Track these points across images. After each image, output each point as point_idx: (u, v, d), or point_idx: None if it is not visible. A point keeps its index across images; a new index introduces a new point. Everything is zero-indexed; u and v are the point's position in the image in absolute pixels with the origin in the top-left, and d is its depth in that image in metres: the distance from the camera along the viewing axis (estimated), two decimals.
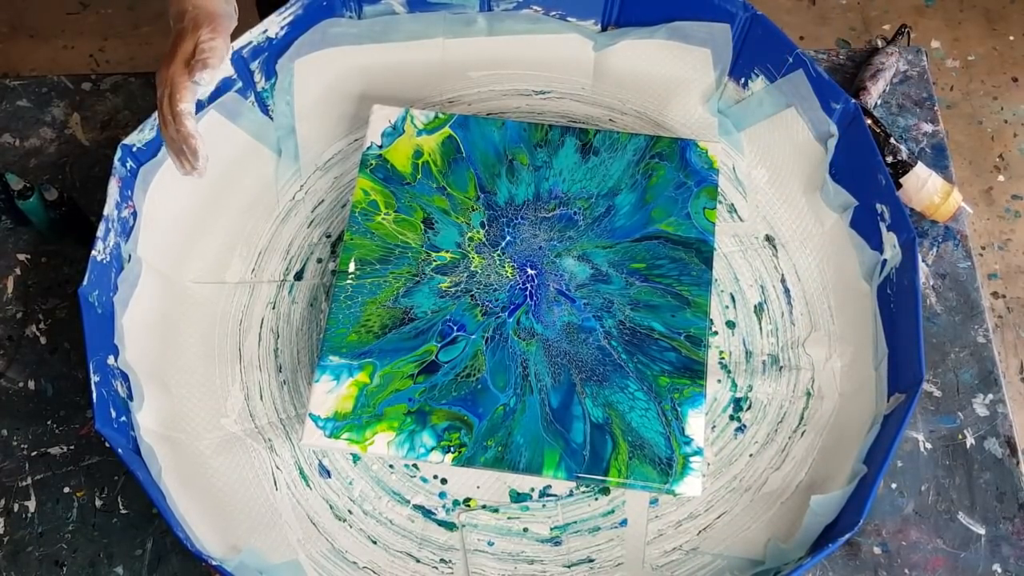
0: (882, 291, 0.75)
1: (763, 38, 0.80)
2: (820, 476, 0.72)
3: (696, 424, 0.69)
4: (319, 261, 0.79)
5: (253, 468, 0.72)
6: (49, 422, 0.75)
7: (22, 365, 0.77)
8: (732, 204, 0.81)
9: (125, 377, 0.70)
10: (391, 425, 0.68)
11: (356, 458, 0.73)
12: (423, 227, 0.75)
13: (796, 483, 0.72)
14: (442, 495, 0.72)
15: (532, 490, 0.72)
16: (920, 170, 0.80)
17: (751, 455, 0.73)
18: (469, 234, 0.75)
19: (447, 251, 0.74)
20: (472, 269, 0.74)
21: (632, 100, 0.85)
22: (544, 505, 0.72)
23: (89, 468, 0.73)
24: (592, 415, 0.69)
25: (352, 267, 0.73)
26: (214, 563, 0.62)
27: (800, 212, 0.81)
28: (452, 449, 0.68)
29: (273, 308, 0.77)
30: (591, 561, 0.70)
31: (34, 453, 0.74)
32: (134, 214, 0.74)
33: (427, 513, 0.71)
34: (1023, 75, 1.64)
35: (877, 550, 0.71)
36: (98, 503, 0.72)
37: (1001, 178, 1.56)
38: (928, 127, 0.86)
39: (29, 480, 0.73)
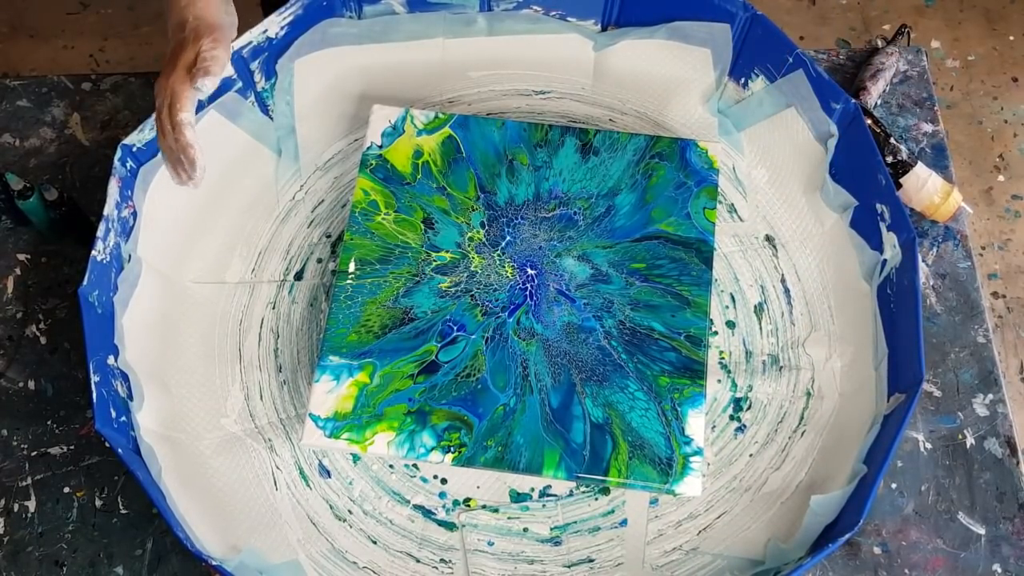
0: (882, 291, 0.75)
1: (763, 38, 0.80)
2: (820, 476, 0.72)
3: (696, 424, 0.69)
4: (319, 261, 0.79)
5: (253, 468, 0.72)
6: (49, 422, 0.75)
7: (22, 365, 0.77)
8: (732, 204, 0.81)
9: (125, 377, 0.70)
10: (391, 425, 0.68)
11: (356, 458, 0.73)
12: (423, 227, 0.75)
13: (796, 483, 0.72)
14: (442, 495, 0.72)
15: (532, 490, 0.72)
16: (920, 170, 0.80)
17: (751, 455, 0.73)
18: (469, 234, 0.75)
19: (447, 251, 0.74)
20: (472, 269, 0.74)
21: (632, 100, 0.85)
22: (544, 505, 0.72)
23: (89, 468, 0.73)
24: (592, 415, 0.69)
25: (352, 267, 0.73)
26: (214, 563, 0.62)
27: (800, 212, 0.81)
28: (452, 449, 0.68)
29: (273, 308, 0.77)
30: (591, 561, 0.70)
31: (34, 453, 0.74)
32: (134, 214, 0.74)
33: (427, 513, 0.71)
34: (1023, 75, 1.64)
35: (877, 550, 0.71)
36: (98, 503, 0.72)
37: (1001, 178, 1.56)
38: (928, 127, 0.86)
39: (29, 480, 0.73)
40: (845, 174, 0.78)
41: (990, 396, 0.76)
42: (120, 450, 0.65)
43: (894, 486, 0.73)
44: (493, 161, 0.78)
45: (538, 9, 0.84)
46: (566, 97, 0.85)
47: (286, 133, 0.81)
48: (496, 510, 0.71)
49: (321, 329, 0.76)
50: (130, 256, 0.73)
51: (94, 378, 0.67)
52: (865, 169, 0.76)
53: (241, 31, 0.76)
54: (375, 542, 0.71)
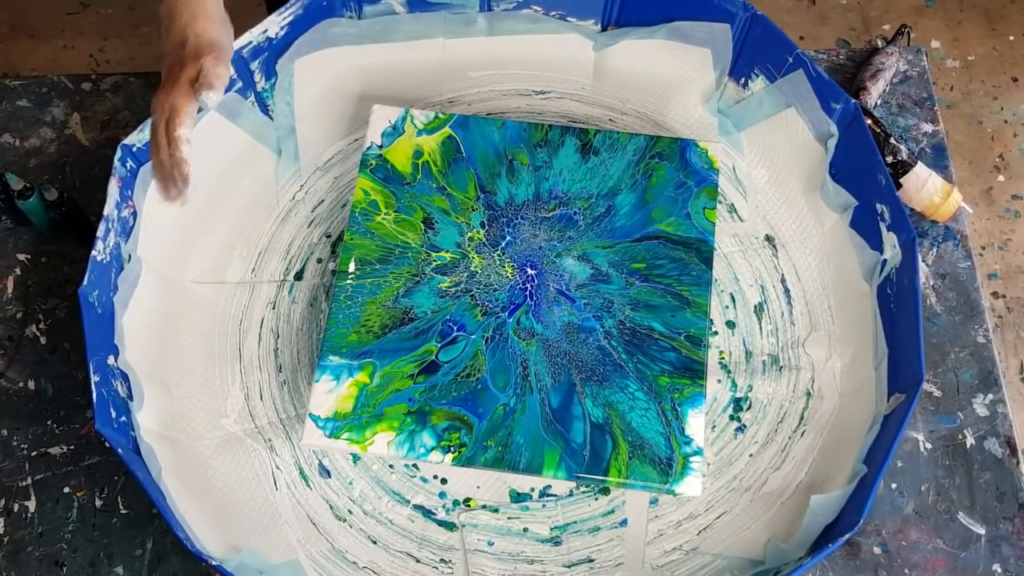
0: (882, 291, 0.75)
1: (763, 38, 0.80)
2: (820, 476, 0.72)
3: (696, 424, 0.69)
4: (319, 261, 0.79)
5: (253, 468, 0.72)
6: (49, 422, 0.75)
7: (22, 365, 0.77)
8: (732, 204, 0.81)
9: (125, 377, 0.70)
10: (391, 425, 0.68)
11: (356, 458, 0.73)
12: (423, 227, 0.75)
13: (796, 483, 0.72)
14: (442, 495, 0.72)
15: (532, 490, 0.72)
16: (920, 170, 0.80)
17: (751, 455, 0.73)
18: (469, 234, 0.75)
19: (447, 251, 0.74)
20: (472, 269, 0.74)
21: (632, 100, 0.85)
22: (544, 505, 0.72)
23: (89, 468, 0.73)
24: (592, 415, 0.69)
25: (352, 267, 0.73)
26: (214, 563, 0.62)
27: (800, 212, 0.81)
28: (452, 449, 0.68)
29: (273, 308, 0.77)
30: (591, 561, 0.70)
31: (34, 453, 0.74)
32: (134, 214, 0.74)
33: (427, 513, 0.71)
34: (1023, 75, 1.64)
35: (877, 550, 0.71)
36: (98, 503, 0.72)
37: (1001, 178, 1.56)
38: (928, 127, 0.86)
39: (29, 480, 0.73)
40: (845, 174, 0.78)
41: (990, 396, 0.76)
42: (120, 450, 0.65)
43: (894, 486, 0.73)
44: (493, 161, 0.78)
45: (538, 9, 0.84)
46: (566, 97, 0.85)
47: (286, 133, 0.81)
48: (496, 510, 0.71)
49: (321, 329, 0.76)
50: (130, 256, 0.73)
51: (94, 378, 0.67)
52: (865, 169, 0.76)
53: (241, 31, 0.76)
54: (375, 542, 0.71)
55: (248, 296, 0.78)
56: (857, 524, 0.62)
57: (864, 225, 0.77)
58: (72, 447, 0.74)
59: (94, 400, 0.66)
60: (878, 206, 0.75)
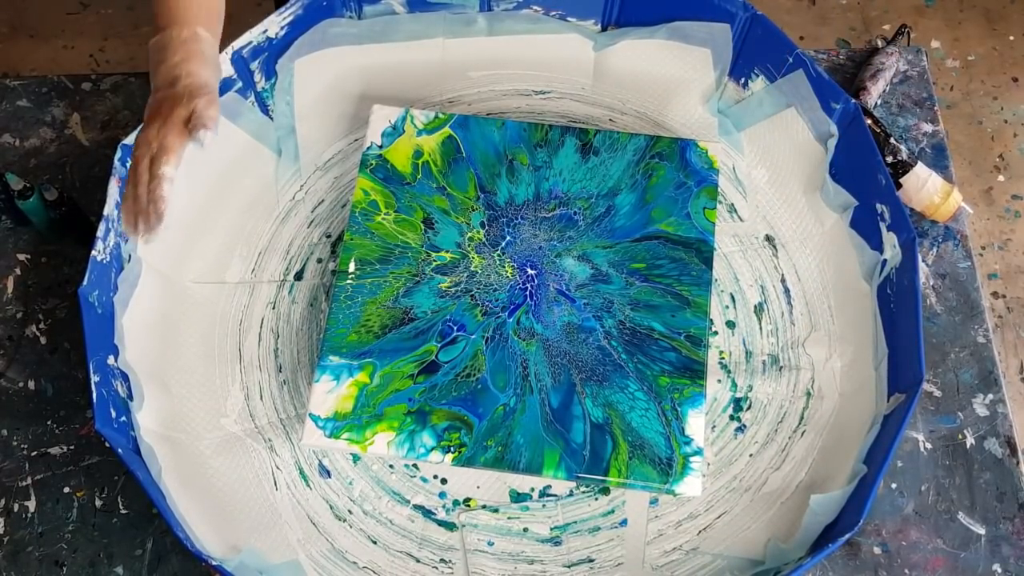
0: (882, 291, 0.75)
1: (763, 38, 0.80)
2: (820, 476, 0.72)
3: (696, 424, 0.69)
4: (319, 261, 0.79)
5: (253, 468, 0.72)
6: (49, 422, 0.75)
7: (22, 365, 0.77)
8: (732, 204, 0.81)
9: (125, 377, 0.70)
10: (391, 425, 0.68)
11: (356, 458, 0.73)
12: (423, 227, 0.75)
13: (796, 483, 0.72)
14: (442, 495, 0.72)
15: (532, 490, 0.72)
16: (920, 170, 0.80)
17: (751, 455, 0.73)
18: (469, 234, 0.75)
19: (447, 251, 0.74)
20: (472, 269, 0.74)
21: (632, 100, 0.85)
22: (544, 505, 0.72)
23: (89, 468, 0.73)
24: (592, 415, 0.69)
25: (352, 267, 0.73)
26: (214, 563, 0.62)
27: (800, 212, 0.81)
28: (452, 449, 0.68)
29: (273, 308, 0.77)
30: (591, 561, 0.70)
31: (34, 453, 0.74)
32: None
33: (427, 513, 0.71)
34: (1023, 75, 1.64)
35: (877, 550, 0.71)
36: (98, 503, 0.72)
37: (1001, 178, 1.56)
38: (928, 127, 0.86)
39: (29, 480, 0.73)
40: (845, 174, 0.78)
41: (990, 396, 0.76)
42: (120, 450, 0.65)
43: (894, 486, 0.73)
44: (493, 161, 0.78)
45: (538, 9, 0.84)
46: (566, 97, 0.85)
47: (286, 133, 0.81)
48: (496, 510, 0.71)
49: (321, 329, 0.76)
50: (130, 256, 0.73)
51: (94, 378, 0.67)
52: (865, 169, 0.76)
53: (241, 31, 0.76)
54: (375, 542, 0.71)
55: (248, 296, 0.78)
56: (857, 524, 0.62)
57: (864, 225, 0.77)
58: (72, 447, 0.74)
59: (94, 400, 0.66)
60: (878, 206, 0.75)
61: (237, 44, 0.76)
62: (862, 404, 0.73)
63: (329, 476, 0.72)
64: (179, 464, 0.70)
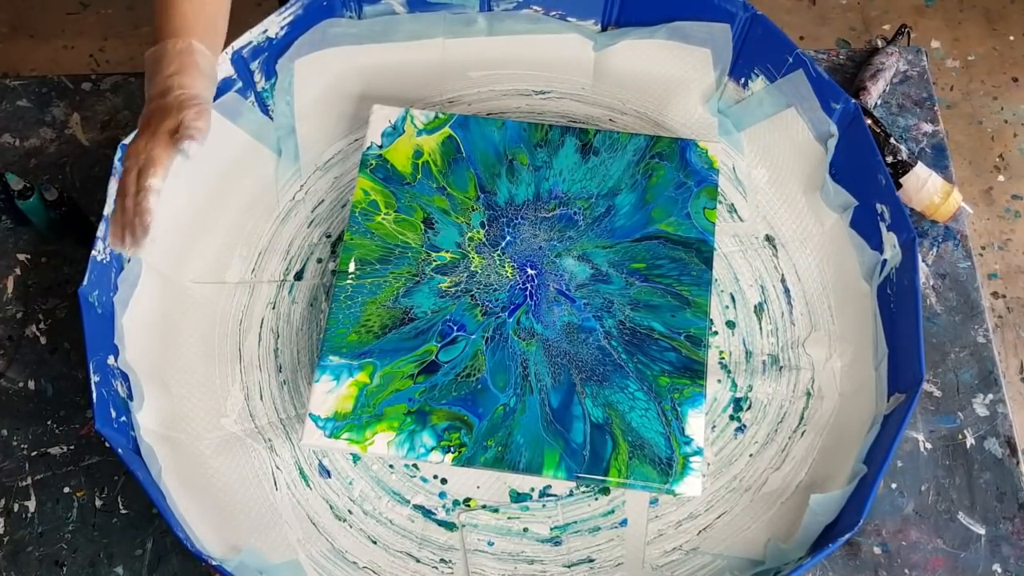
0: (882, 291, 0.75)
1: (763, 38, 0.80)
2: (820, 476, 0.72)
3: (696, 424, 0.69)
4: (319, 261, 0.79)
5: (253, 468, 0.72)
6: (49, 422, 0.75)
7: (22, 365, 0.77)
8: (732, 204, 0.81)
9: (125, 377, 0.70)
10: (391, 425, 0.68)
11: (356, 458, 0.73)
12: (423, 227, 0.75)
13: (796, 483, 0.72)
14: (442, 495, 0.72)
15: (532, 490, 0.72)
16: (920, 170, 0.80)
17: (751, 455, 0.73)
18: (469, 234, 0.75)
19: (447, 251, 0.74)
20: (472, 269, 0.74)
21: (632, 100, 0.85)
22: (544, 505, 0.72)
23: (89, 468, 0.73)
24: (592, 415, 0.69)
25: (352, 267, 0.73)
26: (214, 563, 0.62)
27: (800, 212, 0.81)
28: (452, 449, 0.68)
29: (273, 308, 0.77)
30: (591, 561, 0.70)
31: (34, 453, 0.74)
32: None
33: (427, 513, 0.71)
34: (1023, 75, 1.64)
35: (877, 550, 0.71)
36: (98, 503, 0.72)
37: (1001, 178, 1.56)
38: (928, 127, 0.86)
39: (29, 480, 0.73)
40: (845, 174, 0.78)
41: (990, 396, 0.76)
42: (120, 450, 0.65)
43: (894, 486, 0.73)
44: (493, 161, 0.78)
45: (538, 9, 0.84)
46: (566, 97, 0.85)
47: (286, 133, 0.81)
48: (496, 510, 0.71)
49: (321, 329, 0.76)
50: (130, 256, 0.73)
51: (94, 378, 0.67)
52: (865, 169, 0.76)
53: (241, 31, 0.76)
54: (375, 542, 0.71)
55: (248, 296, 0.78)
56: (857, 524, 0.62)
57: (864, 225, 0.77)
58: (72, 447, 0.74)
59: (94, 400, 0.66)
60: (878, 206, 0.75)
61: (237, 44, 0.76)
62: (862, 404, 0.73)
63: (329, 476, 0.72)
64: (179, 464, 0.70)
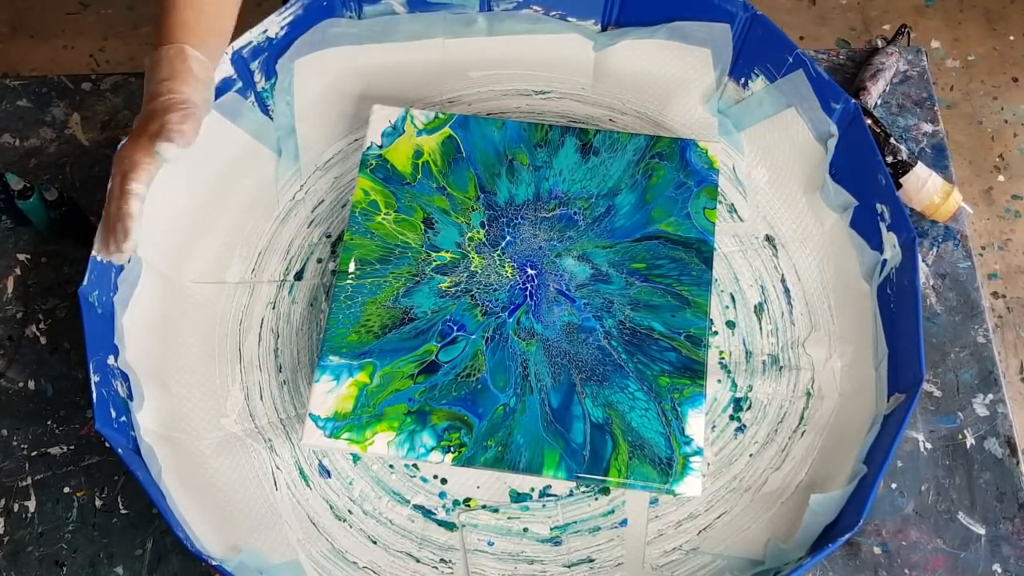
0: (882, 291, 0.75)
1: (763, 38, 0.80)
2: (820, 476, 0.72)
3: (696, 424, 0.69)
4: (319, 261, 0.79)
5: (253, 468, 0.72)
6: (49, 422, 0.75)
7: (22, 365, 0.77)
8: (732, 204, 0.81)
9: (125, 377, 0.70)
10: (391, 425, 0.68)
11: (356, 458, 0.73)
12: (423, 227, 0.75)
13: (796, 483, 0.72)
14: (442, 495, 0.72)
15: (532, 490, 0.72)
16: (920, 170, 0.80)
17: (751, 455, 0.73)
18: (469, 234, 0.75)
19: (447, 251, 0.74)
20: (472, 269, 0.74)
21: (632, 100, 0.85)
22: (544, 505, 0.72)
23: (89, 468, 0.73)
24: (592, 415, 0.69)
25: (352, 267, 0.73)
26: (214, 563, 0.62)
27: (800, 212, 0.81)
28: (452, 449, 0.68)
29: (273, 308, 0.77)
30: (591, 561, 0.70)
31: (34, 453, 0.74)
32: None
33: (427, 513, 0.71)
34: (1023, 75, 1.64)
35: (877, 550, 0.71)
36: (98, 503, 0.72)
37: (1001, 178, 1.56)
38: (928, 127, 0.86)
39: (29, 480, 0.73)
40: (845, 174, 0.78)
41: (990, 396, 0.76)
42: (120, 450, 0.65)
43: (894, 486, 0.73)
44: (493, 161, 0.78)
45: (538, 9, 0.84)
46: (566, 97, 0.85)
47: (286, 133, 0.81)
48: (496, 510, 0.71)
49: (321, 329, 0.76)
50: (130, 256, 0.73)
51: (94, 378, 0.67)
52: (865, 169, 0.76)
53: (241, 31, 0.76)
54: (375, 542, 0.71)
55: (248, 296, 0.78)
56: (857, 524, 0.62)
57: (864, 225, 0.77)
58: (72, 447, 0.74)
59: (94, 400, 0.66)
60: (878, 206, 0.75)
61: (237, 44, 0.76)
62: (862, 404, 0.73)
63: (329, 476, 0.72)
64: (179, 464, 0.70)
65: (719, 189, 0.77)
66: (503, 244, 0.75)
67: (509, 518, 0.71)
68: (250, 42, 0.77)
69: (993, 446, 0.74)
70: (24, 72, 1.63)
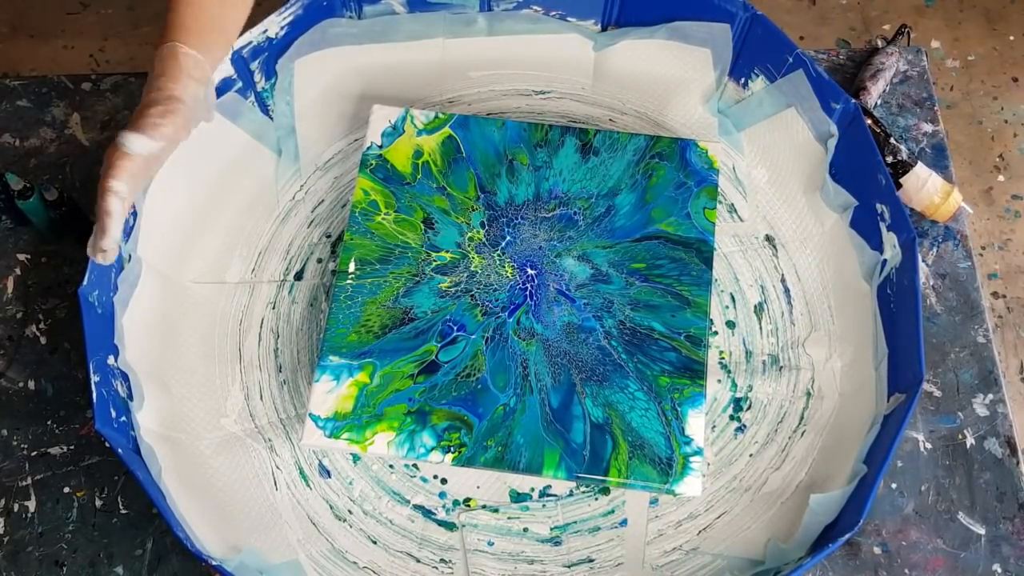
0: (882, 291, 0.75)
1: (763, 38, 0.80)
2: (820, 476, 0.72)
3: (696, 424, 0.69)
4: (319, 261, 0.79)
5: (253, 468, 0.72)
6: (49, 422, 0.75)
7: (22, 365, 0.77)
8: (732, 204, 0.81)
9: (125, 377, 0.70)
10: (391, 425, 0.68)
11: (356, 458, 0.73)
12: (423, 227, 0.75)
13: (796, 483, 0.72)
14: (442, 495, 0.72)
15: (532, 490, 0.72)
16: (920, 170, 0.80)
17: (751, 455, 0.73)
18: (469, 234, 0.75)
19: (447, 251, 0.74)
20: (472, 269, 0.74)
21: (632, 100, 0.85)
22: (544, 505, 0.72)
23: (89, 468, 0.73)
24: (592, 415, 0.69)
25: (352, 267, 0.73)
26: (214, 563, 0.62)
27: (800, 212, 0.81)
28: (452, 449, 0.68)
29: (273, 308, 0.77)
30: (591, 561, 0.70)
31: (34, 453, 0.74)
32: (134, 214, 0.74)
33: (427, 513, 0.71)
34: (1023, 75, 1.64)
35: (877, 550, 0.71)
36: (98, 503, 0.72)
37: (1001, 178, 1.56)
38: (928, 127, 0.86)
39: (29, 480, 0.73)
40: (845, 174, 0.78)
41: (990, 396, 0.76)
42: (120, 450, 0.65)
43: (894, 486, 0.73)
44: (493, 161, 0.78)
45: (538, 9, 0.84)
46: (566, 97, 0.85)
47: (286, 133, 0.81)
48: (496, 510, 0.71)
49: (321, 329, 0.76)
50: (130, 256, 0.73)
51: (94, 378, 0.67)
52: (865, 169, 0.76)
53: (241, 31, 0.76)
54: (375, 542, 0.71)
55: (248, 296, 0.78)
56: (857, 524, 0.62)
57: (864, 225, 0.77)
58: (72, 447, 0.74)
59: (94, 400, 0.66)
60: (878, 206, 0.75)
61: (237, 44, 0.76)
62: (862, 404, 0.73)
63: (329, 476, 0.72)
64: (179, 464, 0.70)
65: (719, 189, 0.77)
66: (503, 244, 0.75)
67: (509, 518, 0.71)
68: (250, 42, 0.77)
69: (993, 446, 0.74)
70: (24, 72, 1.63)
